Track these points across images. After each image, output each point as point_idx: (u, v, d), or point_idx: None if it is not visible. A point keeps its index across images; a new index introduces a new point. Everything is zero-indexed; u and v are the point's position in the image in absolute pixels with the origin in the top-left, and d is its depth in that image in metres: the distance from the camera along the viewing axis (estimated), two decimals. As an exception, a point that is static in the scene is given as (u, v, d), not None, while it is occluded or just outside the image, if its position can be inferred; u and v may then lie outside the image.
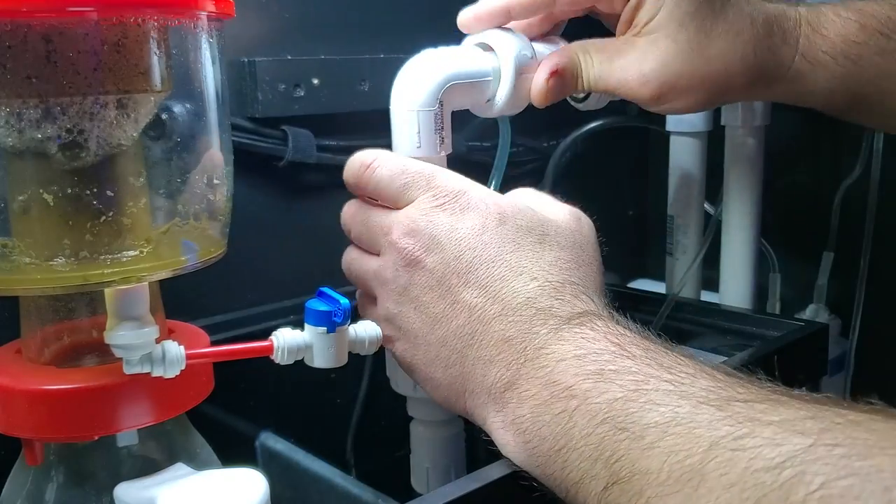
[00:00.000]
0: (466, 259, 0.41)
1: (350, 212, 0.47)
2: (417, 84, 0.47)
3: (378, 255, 0.45)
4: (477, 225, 0.42)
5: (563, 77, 0.50)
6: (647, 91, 0.49)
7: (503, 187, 0.65)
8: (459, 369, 0.41)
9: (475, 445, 0.57)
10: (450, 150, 0.48)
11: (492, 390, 0.39)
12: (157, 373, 0.35)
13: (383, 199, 0.45)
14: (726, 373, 0.34)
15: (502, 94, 0.50)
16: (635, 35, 0.50)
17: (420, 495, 0.38)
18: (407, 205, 0.44)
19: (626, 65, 0.49)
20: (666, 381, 0.33)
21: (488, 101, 0.51)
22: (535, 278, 0.41)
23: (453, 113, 0.48)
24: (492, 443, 0.40)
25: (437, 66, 0.47)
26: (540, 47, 0.52)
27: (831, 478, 0.25)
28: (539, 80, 0.50)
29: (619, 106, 0.76)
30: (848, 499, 0.24)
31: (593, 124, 0.78)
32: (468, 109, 0.51)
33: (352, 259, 0.48)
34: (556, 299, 0.40)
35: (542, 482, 0.37)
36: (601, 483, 0.32)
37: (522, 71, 0.50)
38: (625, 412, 0.33)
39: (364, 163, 0.46)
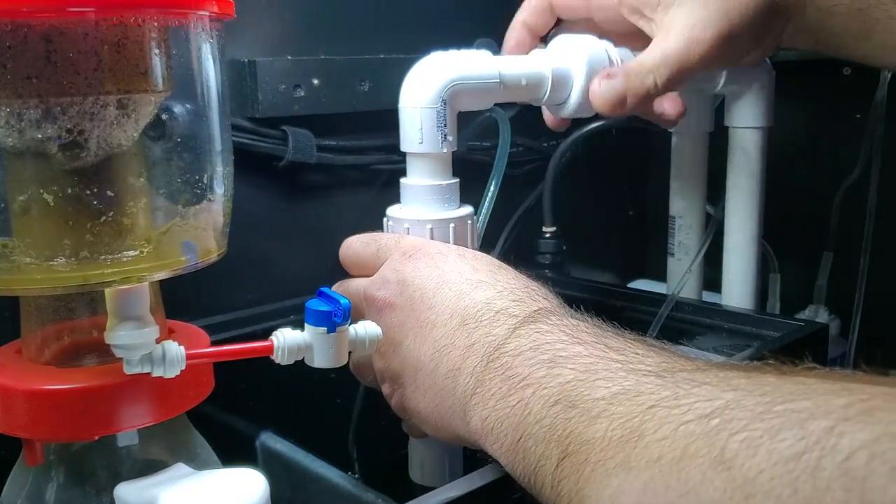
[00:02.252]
0: (430, 287, 0.44)
1: (333, 289, 0.50)
2: (422, 83, 0.49)
3: None
4: (439, 261, 0.45)
5: (616, 77, 0.52)
6: (708, 37, 0.52)
7: (503, 187, 0.65)
8: (436, 389, 0.42)
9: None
10: (454, 148, 0.50)
11: (462, 398, 0.40)
12: (157, 373, 0.35)
13: (364, 269, 0.49)
14: (679, 353, 0.35)
15: (574, 95, 0.54)
16: (653, 16, 0.53)
17: (419, 490, 0.38)
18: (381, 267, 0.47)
19: (672, 33, 0.52)
20: (615, 360, 0.34)
21: (560, 103, 0.55)
22: (494, 286, 0.43)
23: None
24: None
25: (442, 67, 0.50)
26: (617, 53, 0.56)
27: (752, 421, 0.26)
28: (593, 86, 0.53)
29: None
30: (768, 436, 0.25)
31: (594, 125, 0.78)
32: (468, 110, 0.52)
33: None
34: (513, 301, 0.41)
35: (517, 480, 0.37)
36: (553, 462, 0.33)
37: (594, 74, 0.53)
38: (575, 392, 0.34)
39: (345, 244, 0.52)
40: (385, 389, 0.47)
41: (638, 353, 0.35)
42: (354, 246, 0.51)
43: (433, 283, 0.44)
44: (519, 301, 0.41)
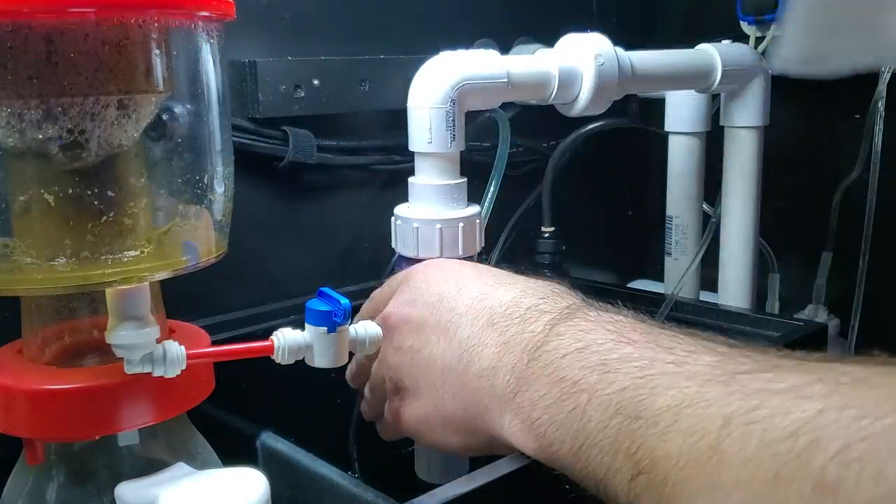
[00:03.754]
0: (450, 291, 0.43)
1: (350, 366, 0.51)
2: (431, 84, 0.50)
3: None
4: (453, 271, 0.45)
5: None
6: None
7: (503, 187, 0.66)
8: (467, 391, 0.41)
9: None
10: (462, 147, 0.51)
11: (503, 398, 0.39)
12: (157, 372, 0.35)
13: (380, 302, 0.49)
14: (727, 345, 0.34)
15: (584, 94, 0.54)
16: None
17: (420, 489, 0.38)
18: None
19: None
20: (670, 362, 0.33)
21: (570, 101, 0.55)
22: (515, 286, 0.42)
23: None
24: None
25: (451, 67, 0.50)
26: None
27: (848, 441, 0.25)
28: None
29: (619, 107, 0.76)
30: (866, 460, 0.24)
31: (593, 125, 0.78)
32: (475, 110, 0.53)
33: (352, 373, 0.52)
34: (540, 298, 0.40)
35: (578, 483, 0.36)
36: (626, 475, 0.32)
37: (603, 72, 0.54)
38: (635, 400, 0.32)
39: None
40: (394, 402, 0.46)
41: (691, 352, 0.33)
42: (373, 295, 0.51)
43: (453, 288, 0.43)
44: (546, 298, 0.40)
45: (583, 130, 0.78)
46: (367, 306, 0.51)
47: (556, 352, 0.37)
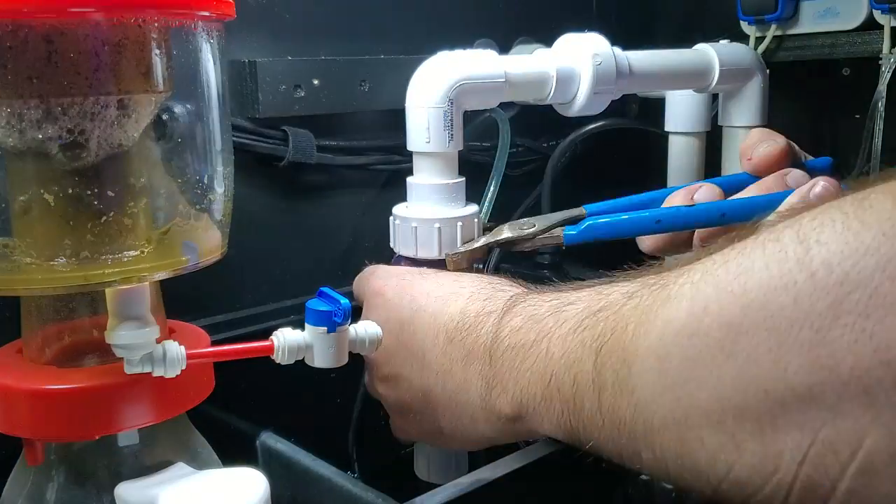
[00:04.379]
0: (406, 316, 0.46)
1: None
2: (429, 83, 0.50)
3: None
4: (405, 287, 0.47)
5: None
6: None
7: (503, 187, 0.65)
8: (453, 406, 0.44)
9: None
10: (460, 147, 0.51)
11: (482, 402, 0.42)
12: (157, 373, 0.35)
13: None
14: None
15: (581, 94, 0.54)
16: None
17: (420, 489, 0.38)
18: None
19: None
20: (614, 289, 0.37)
21: (567, 101, 0.55)
22: (460, 295, 0.45)
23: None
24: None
25: (449, 67, 0.50)
26: None
27: (786, 227, 0.30)
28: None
29: (619, 107, 0.76)
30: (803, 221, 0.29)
31: (593, 125, 0.78)
32: (473, 110, 0.53)
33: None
34: (484, 300, 0.44)
35: (556, 426, 0.39)
36: (590, 364, 0.35)
37: (600, 73, 0.54)
38: (594, 305, 0.37)
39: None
40: (395, 420, 0.50)
41: (625, 281, 0.37)
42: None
43: (408, 312, 0.46)
44: (489, 299, 0.43)
45: (583, 130, 0.78)
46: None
47: (509, 336, 0.40)
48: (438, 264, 0.51)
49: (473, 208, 0.53)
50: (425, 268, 0.50)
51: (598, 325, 0.36)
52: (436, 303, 0.45)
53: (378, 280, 0.50)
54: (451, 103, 0.49)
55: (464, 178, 0.53)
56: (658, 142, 0.77)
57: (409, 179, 0.53)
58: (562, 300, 0.39)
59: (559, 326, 0.38)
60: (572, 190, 0.85)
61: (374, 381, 0.49)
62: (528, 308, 0.41)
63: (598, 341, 0.35)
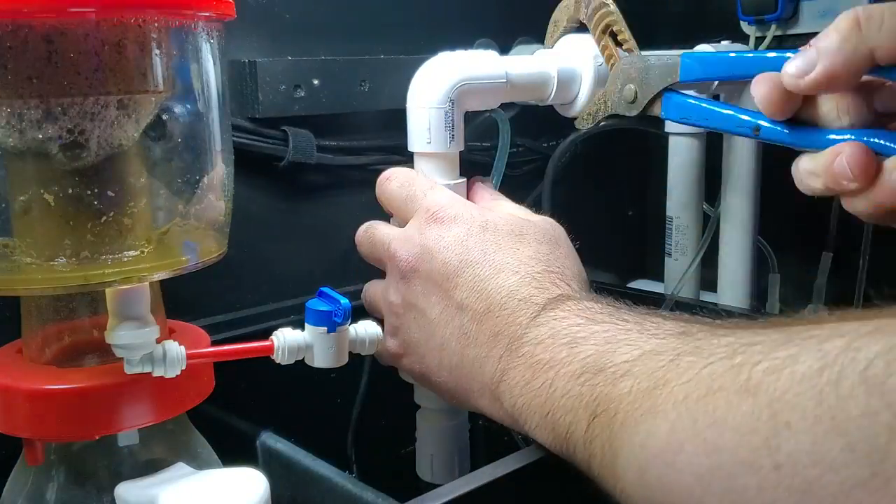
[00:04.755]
0: (454, 264, 0.45)
1: (361, 230, 0.52)
2: (430, 84, 0.50)
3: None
4: (462, 232, 0.46)
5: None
6: None
7: (503, 187, 0.65)
8: (462, 370, 0.44)
9: (478, 435, 0.58)
10: (461, 147, 0.51)
11: (490, 385, 0.42)
12: (157, 373, 0.35)
13: (395, 211, 0.51)
14: (693, 318, 0.37)
15: (583, 95, 0.54)
16: None
17: (420, 490, 0.38)
18: (409, 218, 0.49)
19: None
20: (634, 330, 0.36)
21: (569, 102, 0.55)
22: (516, 272, 0.44)
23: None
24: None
25: (450, 67, 0.50)
26: None
27: (774, 351, 0.28)
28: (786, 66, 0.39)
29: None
30: (789, 361, 0.27)
31: (592, 126, 0.78)
32: (474, 110, 0.53)
33: (366, 289, 0.53)
34: (535, 288, 0.43)
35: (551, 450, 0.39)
36: (584, 425, 0.35)
37: (601, 73, 0.54)
38: (599, 361, 0.36)
39: (383, 176, 0.52)
40: (393, 347, 0.49)
41: (655, 322, 0.36)
42: (391, 186, 0.51)
43: (456, 260, 0.45)
44: (541, 288, 0.43)
45: (583, 130, 0.78)
46: (384, 194, 0.51)
47: (532, 340, 0.40)
48: None
49: None
50: (490, 212, 0.48)
51: (595, 390, 0.35)
52: (488, 267, 0.44)
53: (435, 203, 0.47)
54: (453, 104, 0.49)
55: (465, 179, 0.53)
56: (658, 142, 0.77)
57: None
58: (581, 330, 0.38)
59: (567, 364, 0.37)
60: (572, 190, 0.85)
61: (393, 293, 0.48)
62: (555, 322, 0.40)
63: (591, 407, 0.35)
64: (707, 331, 0.33)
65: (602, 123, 0.77)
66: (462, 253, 0.45)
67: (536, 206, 0.81)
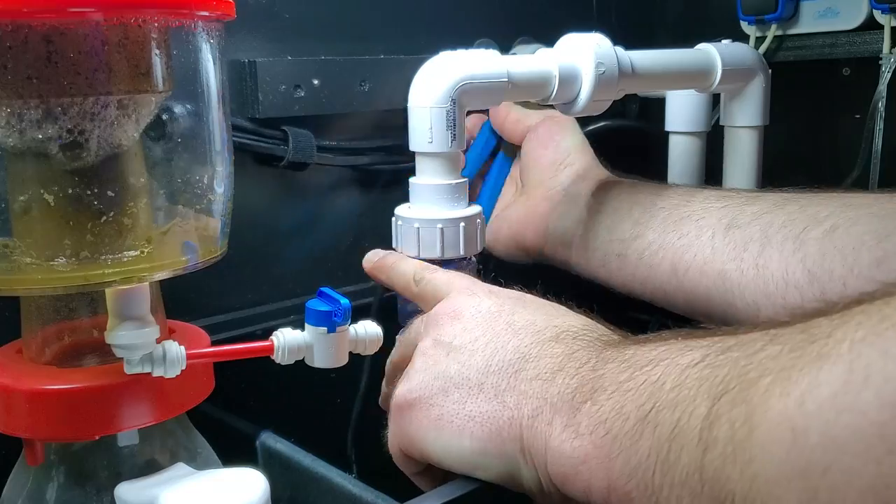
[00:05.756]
0: (507, 310, 0.42)
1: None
2: (432, 84, 0.50)
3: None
4: (501, 300, 0.43)
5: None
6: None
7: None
8: (512, 394, 0.38)
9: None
10: (463, 147, 0.51)
11: (557, 401, 0.36)
12: (157, 373, 0.35)
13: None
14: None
15: (584, 94, 0.54)
16: None
17: (420, 490, 0.38)
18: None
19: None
20: (746, 337, 0.31)
21: (570, 101, 0.55)
22: (577, 318, 0.41)
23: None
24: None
25: (451, 67, 0.50)
26: None
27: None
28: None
29: (619, 107, 0.76)
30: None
31: (593, 126, 0.78)
32: (476, 110, 0.53)
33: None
34: (602, 334, 0.40)
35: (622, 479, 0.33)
36: (701, 412, 0.29)
37: (603, 72, 0.54)
38: (725, 350, 0.31)
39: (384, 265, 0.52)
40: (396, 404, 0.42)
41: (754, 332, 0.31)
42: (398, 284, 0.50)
43: (509, 308, 0.42)
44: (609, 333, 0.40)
45: (584, 131, 0.78)
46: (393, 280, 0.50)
47: (625, 356, 0.35)
48: (441, 265, 0.51)
49: (476, 209, 0.53)
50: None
51: (722, 370, 0.30)
52: (546, 315, 0.41)
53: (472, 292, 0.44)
54: (454, 103, 0.49)
55: (466, 179, 0.53)
56: (658, 141, 0.77)
57: (411, 180, 0.52)
58: (668, 351, 0.33)
59: (680, 354, 0.32)
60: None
61: (425, 342, 0.43)
62: (628, 351, 0.36)
63: (718, 388, 0.29)
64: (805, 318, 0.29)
65: (604, 123, 0.77)
66: (506, 303, 0.42)
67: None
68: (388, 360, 0.49)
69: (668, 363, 0.32)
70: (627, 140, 0.87)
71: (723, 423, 0.28)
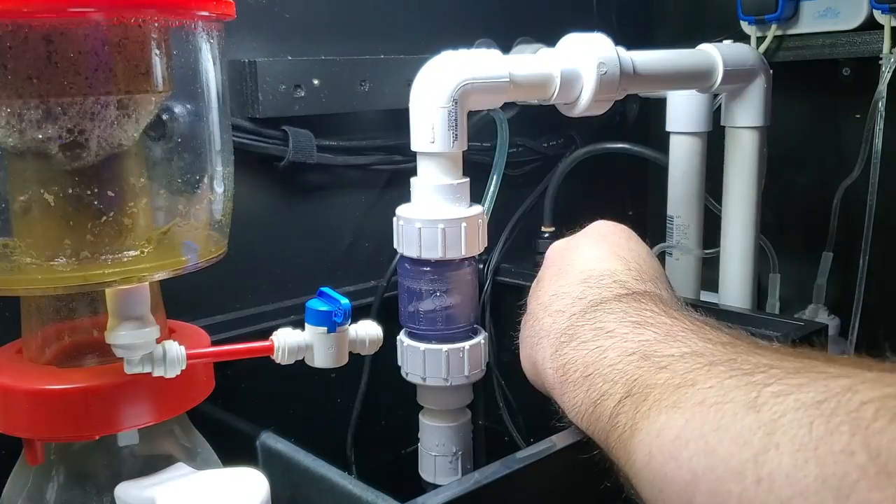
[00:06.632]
0: (571, 252, 0.50)
1: None
2: (434, 83, 0.50)
3: None
4: (590, 241, 0.51)
5: None
6: None
7: (503, 187, 0.66)
8: (539, 324, 0.47)
9: (478, 435, 0.58)
10: (465, 147, 0.51)
11: (551, 336, 0.45)
12: (157, 372, 0.35)
13: None
14: (748, 336, 0.39)
15: (585, 94, 0.54)
16: None
17: (420, 490, 0.38)
18: None
19: None
20: (692, 331, 0.39)
21: (571, 101, 0.55)
22: (626, 262, 0.48)
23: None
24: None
25: (453, 67, 0.50)
26: None
27: (787, 378, 0.30)
28: None
29: (619, 107, 0.76)
30: (796, 389, 0.29)
31: (609, 145, 0.78)
32: (477, 110, 0.53)
33: None
34: (634, 278, 0.46)
35: (564, 411, 0.42)
36: (616, 398, 0.38)
37: (604, 73, 0.54)
38: (651, 348, 0.38)
39: None
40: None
41: (714, 329, 0.39)
42: None
43: (573, 250, 0.50)
44: (639, 280, 0.46)
45: (598, 146, 0.78)
46: None
47: (606, 310, 0.43)
48: (442, 266, 0.51)
49: (478, 209, 0.53)
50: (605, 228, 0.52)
51: (638, 372, 0.37)
52: (601, 258, 0.49)
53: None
54: (456, 103, 0.49)
55: (468, 179, 0.53)
56: (659, 142, 0.78)
57: (412, 180, 0.52)
58: (652, 318, 0.41)
59: (625, 340, 0.40)
60: (572, 190, 0.85)
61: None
62: (635, 303, 0.43)
63: (629, 385, 0.37)
64: (747, 347, 0.36)
65: (621, 146, 0.77)
66: (582, 245, 0.50)
67: (537, 206, 0.81)
68: None
69: (616, 340, 0.40)
70: (628, 140, 0.87)
71: (621, 418, 0.36)
